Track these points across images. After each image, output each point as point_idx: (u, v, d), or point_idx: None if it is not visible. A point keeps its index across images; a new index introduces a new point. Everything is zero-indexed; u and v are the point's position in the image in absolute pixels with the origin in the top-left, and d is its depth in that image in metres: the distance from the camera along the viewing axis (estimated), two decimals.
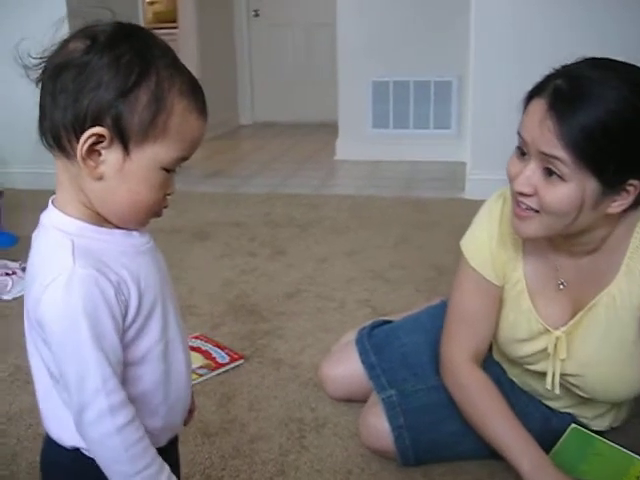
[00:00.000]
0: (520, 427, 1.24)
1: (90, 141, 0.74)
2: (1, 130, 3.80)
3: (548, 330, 1.27)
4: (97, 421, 0.75)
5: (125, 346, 0.79)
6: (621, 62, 1.11)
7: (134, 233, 0.83)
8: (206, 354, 1.87)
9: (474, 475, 1.39)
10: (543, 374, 1.31)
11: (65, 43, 0.76)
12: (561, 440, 1.26)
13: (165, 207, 0.83)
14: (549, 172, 1.08)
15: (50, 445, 0.86)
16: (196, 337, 1.96)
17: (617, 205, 1.10)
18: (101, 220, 0.80)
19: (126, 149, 0.75)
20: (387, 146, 4.53)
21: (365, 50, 4.47)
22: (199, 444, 1.50)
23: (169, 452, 0.91)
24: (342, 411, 1.62)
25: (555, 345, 1.26)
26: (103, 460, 0.77)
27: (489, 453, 1.40)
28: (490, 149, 3.41)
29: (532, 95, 1.12)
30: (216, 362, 1.83)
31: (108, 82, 0.73)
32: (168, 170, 0.79)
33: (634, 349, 1.22)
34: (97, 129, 0.73)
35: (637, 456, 1.19)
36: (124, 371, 0.80)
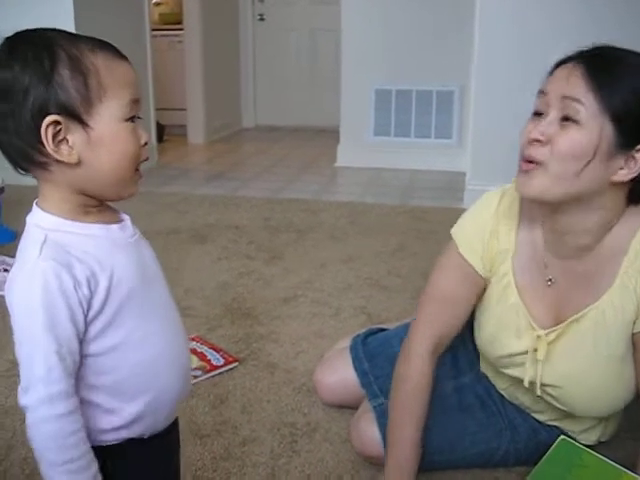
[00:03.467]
0: (416, 444, 1.31)
1: (50, 132, 0.78)
2: None
3: (533, 327, 1.27)
4: (35, 406, 0.79)
5: (93, 337, 0.83)
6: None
7: (112, 227, 0.87)
8: (201, 356, 1.88)
9: None
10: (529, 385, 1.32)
11: None
12: (549, 451, 1.27)
13: (146, 160, 0.87)
14: (566, 120, 1.10)
15: None
16: (192, 339, 1.98)
17: (624, 173, 1.11)
18: (80, 215, 0.85)
19: (82, 122, 0.80)
20: (388, 154, 4.55)
21: (369, 58, 4.49)
22: (191, 445, 1.51)
23: (155, 446, 0.92)
24: (334, 417, 1.63)
25: (535, 347, 1.26)
26: (35, 443, 0.81)
27: (478, 463, 1.42)
28: (490, 160, 3.44)
29: (557, 65, 1.15)
30: (211, 364, 1.84)
31: (31, 81, 0.78)
32: (129, 119, 0.83)
33: (621, 366, 1.22)
34: (49, 118, 0.78)
35: (624, 469, 1.20)
36: (96, 360, 0.84)
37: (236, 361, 1.88)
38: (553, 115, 1.11)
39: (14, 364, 1.85)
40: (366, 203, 3.65)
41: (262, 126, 6.30)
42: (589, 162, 1.09)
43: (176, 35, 5.66)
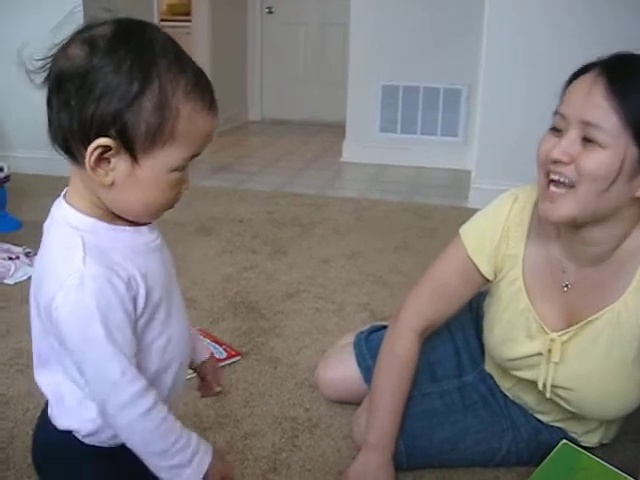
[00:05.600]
0: (398, 414, 1.37)
1: (97, 152, 0.74)
2: (8, 115, 3.82)
3: (545, 331, 1.27)
4: (122, 410, 0.78)
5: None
6: None
7: (143, 229, 0.84)
8: None
9: None
10: (534, 386, 1.32)
11: (65, 47, 0.76)
12: (551, 454, 1.27)
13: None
14: (587, 141, 1.09)
15: (43, 424, 0.89)
16: None
17: None
18: (112, 218, 0.81)
19: (134, 157, 0.75)
20: (393, 150, 4.54)
21: (377, 53, 4.48)
22: None
23: None
24: (336, 412, 1.63)
25: (549, 349, 1.26)
26: (135, 443, 0.81)
27: (479, 461, 1.42)
28: (495, 159, 3.43)
29: (576, 76, 1.14)
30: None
31: (110, 92, 0.72)
32: (180, 169, 0.79)
33: (632, 369, 1.23)
34: (102, 140, 0.73)
35: (623, 474, 1.20)
36: None
37: (239, 355, 1.88)
38: (573, 134, 1.10)
39: (18, 352, 1.85)
40: (371, 199, 3.65)
41: (268, 119, 6.29)
42: (614, 182, 1.09)
43: (184, 26, 5.64)
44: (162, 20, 5.01)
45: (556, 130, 1.14)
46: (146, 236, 0.85)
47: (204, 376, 1.06)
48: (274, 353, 1.92)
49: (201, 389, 1.08)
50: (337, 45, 5.86)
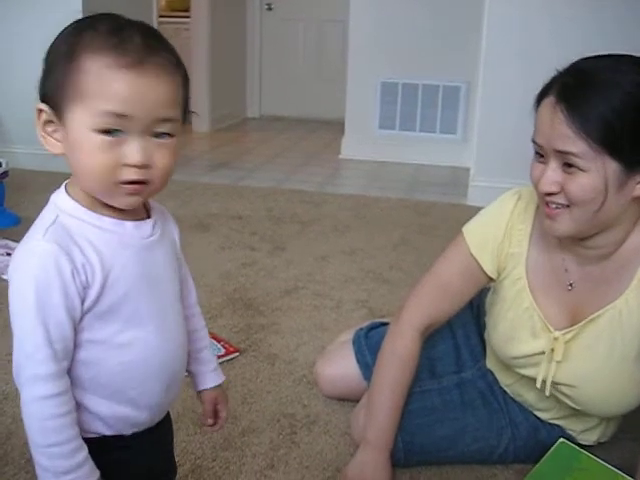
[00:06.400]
0: (397, 412, 1.36)
1: (41, 121, 0.80)
2: (6, 110, 3.81)
3: (549, 330, 1.27)
4: (23, 384, 0.79)
5: (85, 327, 0.81)
6: (621, 54, 1.14)
7: (127, 224, 0.84)
8: None
9: None
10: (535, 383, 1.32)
11: None
12: (549, 452, 1.27)
13: (130, 182, 0.78)
14: (569, 165, 1.11)
15: None
16: None
17: None
18: (96, 206, 0.82)
19: (59, 119, 0.78)
20: (392, 147, 4.54)
21: (376, 50, 4.47)
22: (191, 434, 1.51)
23: (138, 442, 0.90)
24: (334, 409, 1.63)
25: (552, 348, 1.26)
26: (24, 422, 0.81)
27: (477, 459, 1.42)
28: (494, 157, 3.43)
29: (540, 98, 1.15)
30: None
31: (46, 64, 0.80)
32: (105, 132, 0.76)
33: (633, 367, 1.23)
34: (38, 104, 0.79)
35: (621, 472, 1.20)
36: (80, 350, 0.82)
37: (237, 351, 1.88)
38: (554, 164, 1.13)
39: None
40: (369, 196, 3.65)
41: (267, 116, 6.28)
42: (604, 200, 1.11)
43: (183, 22, 5.63)
44: (161, 16, 5.01)
45: (540, 155, 1.16)
46: (127, 231, 0.84)
47: (204, 405, 1.05)
48: (272, 350, 1.92)
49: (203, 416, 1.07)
50: (336, 42, 5.86)
